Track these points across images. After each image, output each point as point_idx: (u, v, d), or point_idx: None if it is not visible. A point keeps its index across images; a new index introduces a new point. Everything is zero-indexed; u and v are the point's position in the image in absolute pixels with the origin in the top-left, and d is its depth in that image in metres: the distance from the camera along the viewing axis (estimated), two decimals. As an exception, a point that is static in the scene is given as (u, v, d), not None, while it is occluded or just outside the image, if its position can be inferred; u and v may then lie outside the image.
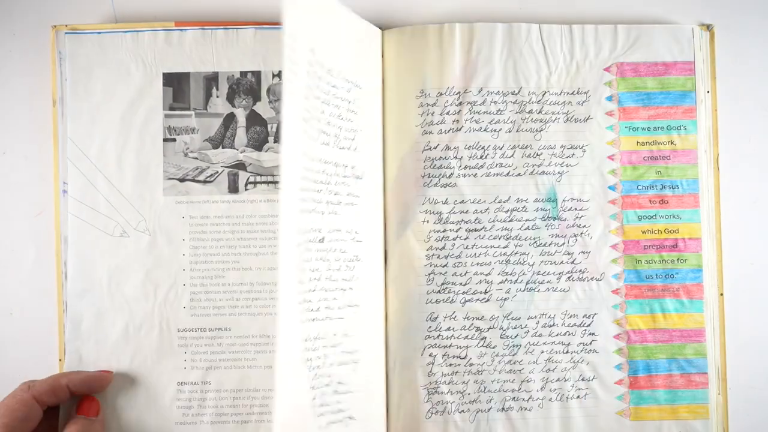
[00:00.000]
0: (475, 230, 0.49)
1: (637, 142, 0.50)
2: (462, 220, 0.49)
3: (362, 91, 0.48)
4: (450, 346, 0.49)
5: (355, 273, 0.47)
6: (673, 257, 0.50)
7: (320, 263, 0.45)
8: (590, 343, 0.49)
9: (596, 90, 0.50)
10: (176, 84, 0.49)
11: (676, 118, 0.50)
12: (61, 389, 0.44)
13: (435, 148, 0.49)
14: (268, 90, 0.49)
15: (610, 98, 0.50)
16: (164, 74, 0.49)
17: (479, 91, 0.49)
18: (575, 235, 0.50)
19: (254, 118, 0.50)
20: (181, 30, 0.49)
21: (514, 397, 0.49)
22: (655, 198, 0.50)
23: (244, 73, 0.49)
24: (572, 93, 0.50)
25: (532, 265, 0.49)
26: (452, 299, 0.49)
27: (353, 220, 0.47)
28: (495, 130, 0.50)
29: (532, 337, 0.49)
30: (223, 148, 0.50)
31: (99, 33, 0.49)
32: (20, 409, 0.42)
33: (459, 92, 0.49)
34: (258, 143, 0.50)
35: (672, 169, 0.50)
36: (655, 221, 0.50)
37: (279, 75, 0.49)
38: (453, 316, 0.49)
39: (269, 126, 0.50)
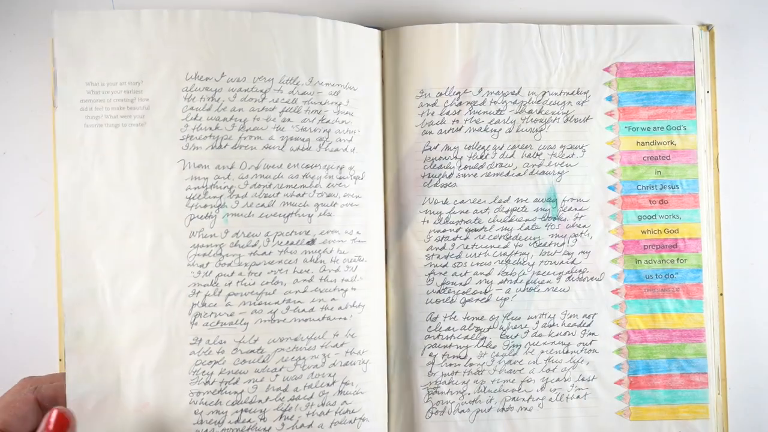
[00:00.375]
0: (475, 230, 0.49)
1: (637, 142, 0.50)
2: (462, 220, 0.49)
3: (357, 92, 0.48)
4: (450, 346, 0.49)
5: (358, 273, 0.47)
6: (673, 257, 0.50)
7: (311, 264, 0.46)
8: (590, 343, 0.49)
9: (596, 90, 0.50)
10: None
11: (676, 118, 0.50)
12: (64, 400, 0.43)
13: (435, 148, 0.49)
14: None
15: (609, 98, 0.50)
16: None
17: (479, 91, 0.49)
18: (575, 235, 0.50)
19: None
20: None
21: (514, 397, 0.49)
22: (655, 198, 0.50)
23: None
24: (572, 93, 0.50)
25: (532, 265, 0.49)
26: (452, 299, 0.49)
27: (354, 221, 0.47)
28: (495, 130, 0.50)
29: (532, 337, 0.49)
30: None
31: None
32: (21, 408, 0.41)
33: (459, 92, 0.49)
34: None
35: (672, 169, 0.50)
36: (655, 221, 0.50)
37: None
38: (453, 316, 0.49)
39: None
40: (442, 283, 0.49)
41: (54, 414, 0.40)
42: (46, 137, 0.50)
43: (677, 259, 0.50)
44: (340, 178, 0.47)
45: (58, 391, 0.44)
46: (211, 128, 0.45)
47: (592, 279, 0.50)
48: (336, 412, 0.46)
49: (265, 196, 0.45)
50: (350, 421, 0.46)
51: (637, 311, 0.49)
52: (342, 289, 0.46)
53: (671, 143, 0.50)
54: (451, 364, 0.49)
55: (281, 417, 0.45)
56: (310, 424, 0.45)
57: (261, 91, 0.46)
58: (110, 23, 0.45)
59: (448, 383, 0.48)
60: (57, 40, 0.44)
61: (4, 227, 0.51)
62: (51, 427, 0.39)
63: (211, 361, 0.45)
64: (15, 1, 0.51)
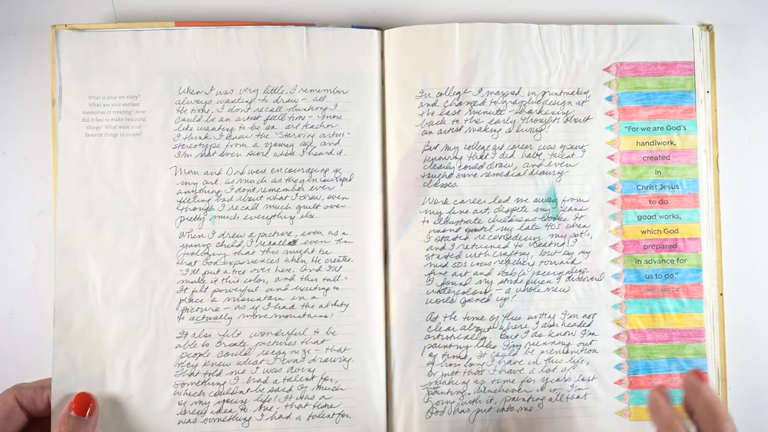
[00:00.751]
0: (475, 230, 0.49)
1: (637, 142, 0.50)
2: (462, 220, 0.49)
3: (347, 95, 0.49)
4: (450, 346, 0.49)
5: (341, 273, 0.48)
6: (673, 257, 0.50)
7: (292, 264, 0.48)
8: (590, 343, 0.49)
9: (596, 90, 0.50)
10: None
11: (676, 118, 0.50)
12: (42, 401, 0.45)
13: (435, 148, 0.49)
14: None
15: (609, 98, 0.50)
16: None
17: (479, 91, 0.50)
18: (575, 235, 0.50)
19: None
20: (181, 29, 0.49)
21: (514, 397, 0.49)
22: (655, 198, 0.50)
23: None
24: (572, 93, 0.50)
25: (532, 265, 0.49)
26: (452, 299, 0.49)
27: (339, 222, 0.48)
28: (495, 130, 0.50)
29: (532, 337, 0.49)
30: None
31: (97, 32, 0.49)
32: (2, 408, 0.43)
33: (459, 92, 0.49)
34: None
35: (672, 169, 0.50)
36: (655, 221, 0.50)
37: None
38: (453, 316, 0.49)
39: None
40: (442, 283, 0.49)
41: (75, 397, 0.44)
42: (46, 137, 0.50)
43: (677, 259, 0.50)
44: (323, 181, 0.49)
45: (38, 392, 0.45)
46: (200, 137, 0.49)
47: (592, 279, 0.50)
48: (314, 406, 0.48)
49: (249, 200, 0.48)
50: (328, 416, 0.48)
51: (637, 311, 0.49)
52: (323, 288, 0.48)
53: (671, 143, 0.50)
54: (451, 364, 0.49)
55: (261, 408, 0.48)
56: (289, 416, 0.48)
57: (246, 101, 0.49)
58: (113, 42, 0.48)
59: (448, 383, 0.48)
60: (63, 56, 0.48)
61: (4, 227, 0.51)
62: (73, 408, 0.44)
63: (195, 354, 0.48)
64: (15, 2, 0.51)
